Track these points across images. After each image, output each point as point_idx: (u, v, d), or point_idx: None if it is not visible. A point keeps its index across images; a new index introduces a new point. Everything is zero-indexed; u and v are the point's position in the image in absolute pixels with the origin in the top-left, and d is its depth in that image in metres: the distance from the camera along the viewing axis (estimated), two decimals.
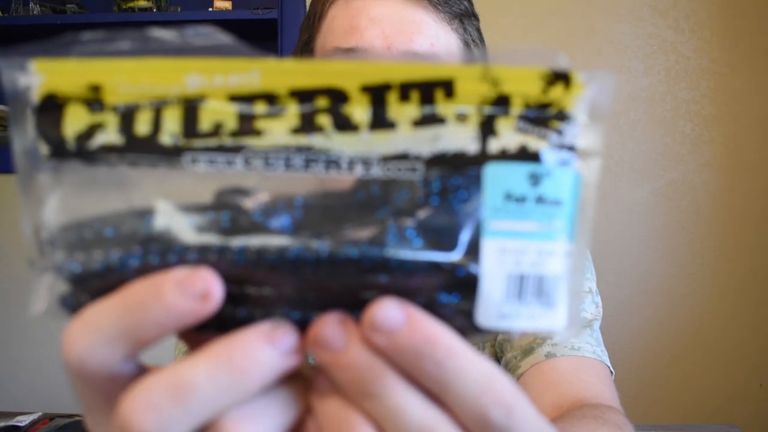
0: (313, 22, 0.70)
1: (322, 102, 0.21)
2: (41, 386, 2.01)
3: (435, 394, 0.21)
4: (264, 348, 0.21)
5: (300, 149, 0.21)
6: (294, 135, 0.21)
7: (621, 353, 1.81)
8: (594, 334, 0.70)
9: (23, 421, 1.20)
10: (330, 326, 0.21)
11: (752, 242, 1.87)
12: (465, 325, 0.22)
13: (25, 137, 0.22)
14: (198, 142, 0.21)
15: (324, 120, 0.21)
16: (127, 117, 0.21)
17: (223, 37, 0.22)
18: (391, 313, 0.20)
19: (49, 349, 2.02)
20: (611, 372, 0.69)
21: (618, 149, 1.90)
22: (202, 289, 0.20)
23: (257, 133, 0.21)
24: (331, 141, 0.21)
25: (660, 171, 1.88)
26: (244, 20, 1.83)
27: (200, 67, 0.21)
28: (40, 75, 0.21)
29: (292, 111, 0.21)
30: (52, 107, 0.21)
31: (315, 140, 0.21)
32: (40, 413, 1.25)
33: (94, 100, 0.21)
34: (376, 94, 0.21)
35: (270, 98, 0.21)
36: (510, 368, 0.70)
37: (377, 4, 0.64)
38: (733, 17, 1.87)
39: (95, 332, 0.21)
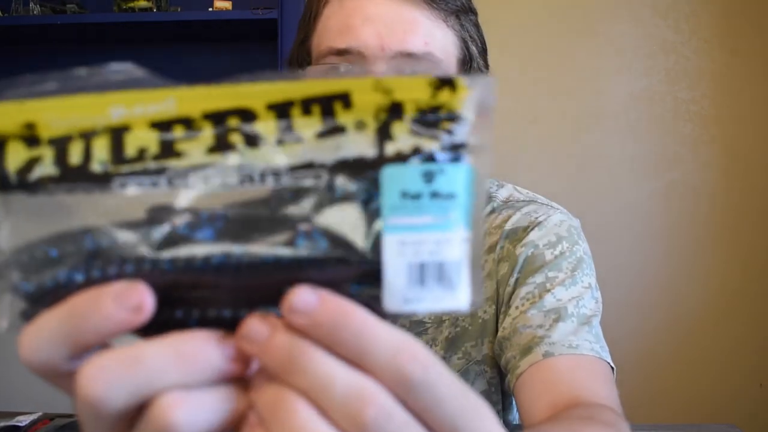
0: (308, 21, 0.70)
1: (233, 122, 0.24)
2: (41, 386, 2.00)
3: (356, 362, 0.23)
4: (212, 345, 0.24)
5: (214, 166, 0.24)
6: (210, 154, 0.24)
7: (620, 353, 1.81)
8: (593, 330, 0.70)
9: (23, 421, 1.20)
10: (253, 322, 0.24)
11: (752, 242, 1.87)
12: (376, 311, 0.24)
13: None
14: (125, 168, 0.24)
15: (236, 138, 0.24)
16: (60, 149, 0.24)
17: (138, 72, 0.25)
18: (305, 295, 0.23)
19: None
20: (612, 368, 0.69)
21: (618, 149, 1.90)
22: (137, 302, 0.23)
23: (177, 154, 0.24)
24: (243, 157, 0.24)
25: (660, 171, 1.88)
26: (244, 20, 1.83)
27: (122, 100, 0.23)
28: None
29: (207, 132, 0.24)
30: None
31: (229, 157, 0.24)
32: (40, 413, 1.25)
33: (30, 137, 0.24)
34: (281, 111, 0.24)
35: (186, 122, 0.24)
36: (510, 368, 0.69)
37: (371, 4, 0.64)
38: (733, 18, 1.87)
39: (41, 336, 0.24)
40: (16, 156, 0.24)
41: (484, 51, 0.73)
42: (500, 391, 0.80)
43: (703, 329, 1.87)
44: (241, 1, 1.88)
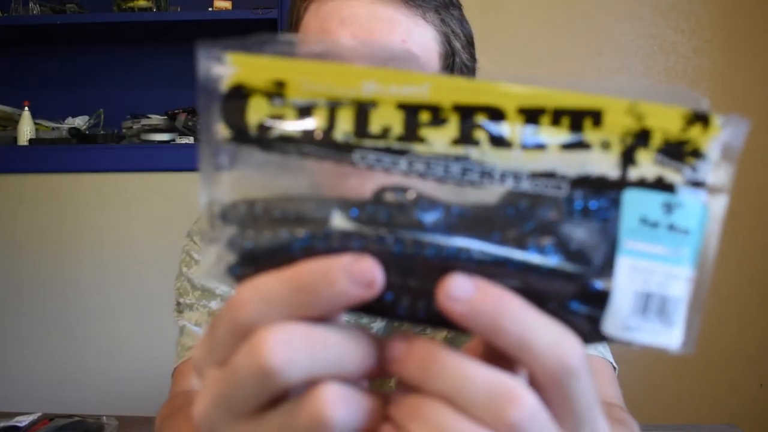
0: (291, 27, 0.71)
1: (480, 118, 0.24)
2: (41, 386, 2.01)
3: (516, 351, 0.23)
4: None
5: (458, 158, 0.24)
6: (453, 145, 0.24)
7: (621, 353, 1.80)
8: None
9: (23, 421, 1.20)
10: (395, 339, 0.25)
11: (752, 242, 1.87)
12: (591, 331, 0.24)
13: (209, 121, 0.24)
14: (368, 142, 0.24)
15: (481, 134, 0.24)
16: (304, 112, 0.24)
17: (399, 50, 0.24)
18: (462, 282, 0.23)
19: (48, 349, 2.02)
20: (615, 367, 0.69)
21: None
22: (369, 278, 0.23)
23: (421, 140, 0.24)
24: (485, 154, 0.23)
25: None
26: (244, 20, 1.83)
27: (377, 76, 0.24)
28: (233, 67, 0.24)
29: (453, 123, 0.24)
30: (238, 96, 0.24)
31: (471, 152, 0.24)
32: (40, 413, 1.25)
33: (276, 94, 0.24)
34: (531, 117, 0.23)
35: (434, 110, 0.24)
36: None
37: (347, 6, 0.65)
38: (733, 17, 1.87)
39: (265, 301, 0.23)
40: (258, 110, 0.24)
41: (469, 44, 0.72)
42: None
43: (703, 329, 1.86)
44: (241, 1, 1.88)
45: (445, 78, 0.24)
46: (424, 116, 0.24)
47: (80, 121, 2.03)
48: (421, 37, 0.65)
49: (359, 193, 0.24)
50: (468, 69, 0.72)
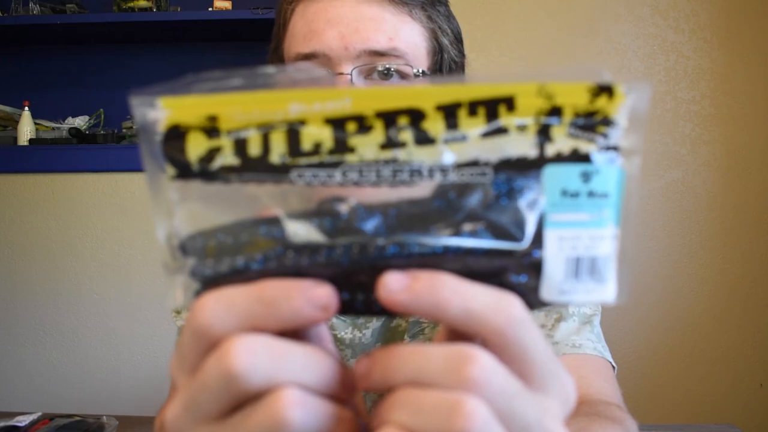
0: (278, 29, 0.71)
1: (403, 120, 0.25)
2: (41, 386, 2.01)
3: (462, 323, 0.25)
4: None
5: (387, 162, 0.25)
6: (381, 150, 0.25)
7: (620, 353, 1.81)
8: (594, 329, 0.70)
9: (23, 421, 1.20)
10: (360, 361, 0.26)
11: (752, 242, 1.87)
12: (533, 300, 0.26)
13: (153, 161, 0.26)
14: (302, 160, 0.25)
15: (406, 136, 0.25)
16: (239, 141, 0.25)
17: (318, 71, 0.26)
18: (396, 276, 0.25)
19: (49, 349, 2.02)
20: (613, 367, 0.70)
21: None
22: (325, 302, 0.25)
23: (351, 149, 0.25)
24: (412, 154, 0.25)
25: (660, 171, 1.88)
26: (244, 20, 1.83)
27: (302, 97, 0.25)
28: (166, 110, 0.25)
29: (379, 129, 0.25)
30: (175, 136, 0.25)
31: (399, 153, 0.25)
32: (40, 413, 1.25)
33: (211, 128, 0.25)
34: (449, 112, 0.25)
35: (359, 119, 0.25)
36: None
37: (333, 6, 0.65)
38: (733, 18, 1.87)
39: (226, 306, 0.25)
40: (197, 146, 0.25)
41: (457, 40, 0.72)
42: None
43: (702, 329, 1.87)
44: (241, 1, 1.88)
45: (365, 89, 0.25)
46: (351, 127, 0.25)
47: (80, 121, 2.03)
48: (408, 35, 0.66)
49: (303, 208, 0.26)
50: (456, 64, 0.72)
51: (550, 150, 0.25)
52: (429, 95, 0.25)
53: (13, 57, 2.07)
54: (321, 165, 0.25)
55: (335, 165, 0.25)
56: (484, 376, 0.24)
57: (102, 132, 2.01)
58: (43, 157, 1.97)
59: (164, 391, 0.78)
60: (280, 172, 0.25)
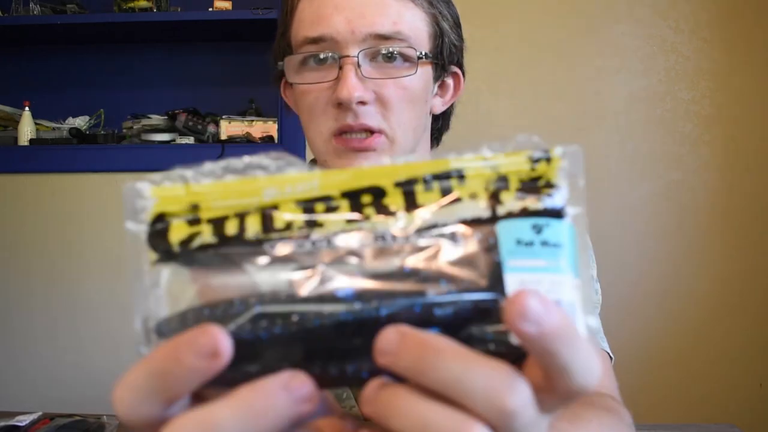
0: (285, 15, 0.74)
1: (366, 198, 0.28)
2: (41, 386, 2.01)
3: (452, 392, 0.25)
4: (280, 394, 0.24)
5: (353, 232, 0.27)
6: (347, 224, 0.27)
7: (620, 353, 1.81)
8: None
9: (23, 421, 1.20)
10: (371, 386, 0.26)
11: (752, 242, 1.87)
12: (506, 347, 0.26)
13: (138, 247, 0.27)
14: (275, 235, 0.27)
15: (369, 211, 0.27)
16: (218, 226, 0.27)
17: (291, 158, 0.29)
18: (389, 335, 0.25)
19: (49, 349, 2.02)
20: (611, 357, 0.70)
21: (618, 149, 1.90)
22: (210, 348, 0.24)
23: (320, 225, 0.27)
24: (377, 225, 0.27)
25: (660, 171, 1.88)
26: (244, 20, 1.83)
27: (275, 182, 0.28)
28: (153, 199, 0.28)
29: (345, 207, 0.28)
30: (160, 223, 0.28)
31: (363, 226, 0.27)
32: (40, 413, 1.25)
33: (192, 216, 0.28)
34: (407, 187, 0.28)
35: (327, 200, 0.28)
36: None
37: None
38: (732, 18, 1.87)
39: (131, 392, 0.25)
40: (179, 232, 0.27)
41: (456, 25, 0.76)
42: None
43: (703, 329, 1.87)
44: (241, 1, 1.88)
45: (331, 172, 0.28)
46: (319, 207, 0.28)
47: (80, 121, 2.03)
48: (411, 19, 0.69)
49: (273, 279, 0.26)
50: (456, 48, 0.75)
51: (502, 210, 0.27)
52: (388, 173, 0.28)
53: (13, 57, 2.08)
54: (291, 237, 0.27)
55: (305, 237, 0.27)
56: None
57: (102, 132, 2.01)
58: (44, 157, 1.97)
59: None
60: (255, 245, 0.27)
